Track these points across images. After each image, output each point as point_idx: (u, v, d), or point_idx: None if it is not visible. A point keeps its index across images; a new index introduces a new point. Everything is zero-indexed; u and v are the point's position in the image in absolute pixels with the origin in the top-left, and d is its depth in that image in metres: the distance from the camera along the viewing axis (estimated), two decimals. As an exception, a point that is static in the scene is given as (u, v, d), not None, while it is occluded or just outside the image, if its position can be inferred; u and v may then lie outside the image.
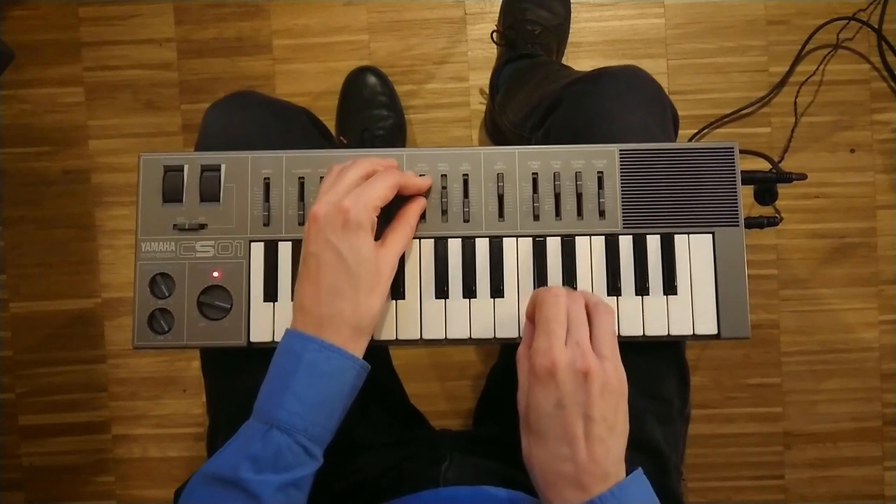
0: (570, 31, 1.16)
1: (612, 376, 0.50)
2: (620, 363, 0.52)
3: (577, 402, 0.49)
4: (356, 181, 0.55)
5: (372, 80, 1.14)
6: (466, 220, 0.60)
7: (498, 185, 0.60)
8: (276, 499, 0.49)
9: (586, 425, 0.48)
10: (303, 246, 0.54)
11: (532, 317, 0.53)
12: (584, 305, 0.52)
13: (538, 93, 0.90)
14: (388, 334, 0.59)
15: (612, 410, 0.50)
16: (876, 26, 1.16)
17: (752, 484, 1.21)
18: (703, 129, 1.18)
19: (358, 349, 0.53)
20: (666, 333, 0.59)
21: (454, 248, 0.60)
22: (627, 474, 0.50)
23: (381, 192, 0.54)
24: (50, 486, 1.22)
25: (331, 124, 1.16)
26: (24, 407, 1.22)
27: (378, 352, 0.72)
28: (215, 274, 0.59)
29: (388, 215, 0.57)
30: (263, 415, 0.51)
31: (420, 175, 0.60)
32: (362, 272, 0.52)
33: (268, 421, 0.50)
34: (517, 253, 0.60)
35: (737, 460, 1.21)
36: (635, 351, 0.60)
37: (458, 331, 0.59)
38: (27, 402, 1.22)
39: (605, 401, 0.49)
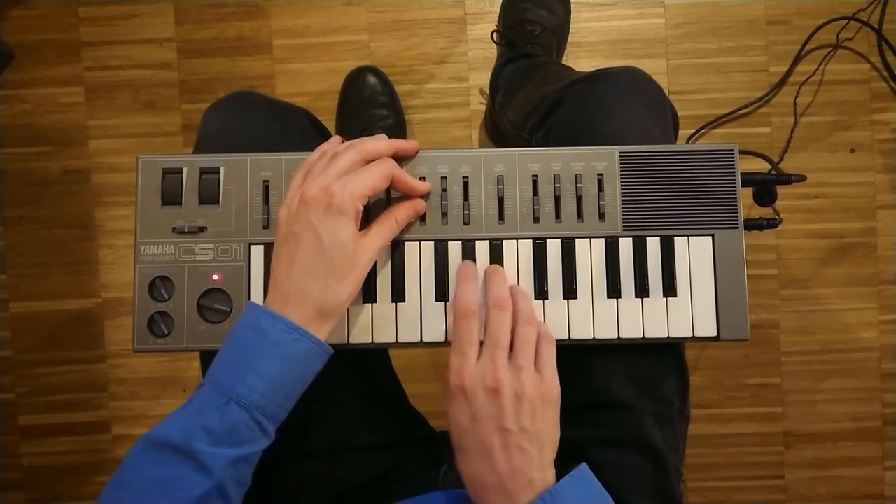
0: (570, 31, 1.16)
1: (528, 386, 0.51)
2: (549, 371, 0.53)
3: (489, 415, 0.51)
4: (350, 166, 0.54)
5: (372, 79, 1.14)
6: (466, 223, 0.60)
7: (498, 188, 0.60)
8: (227, 472, 0.49)
9: (502, 437, 0.50)
10: (287, 225, 0.54)
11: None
12: (508, 318, 0.53)
13: (538, 93, 0.90)
14: (388, 336, 0.59)
15: (531, 419, 0.51)
16: (876, 26, 1.16)
17: (752, 484, 1.21)
18: (702, 128, 1.18)
19: (321, 332, 0.53)
20: (666, 336, 0.59)
21: (454, 250, 0.60)
22: (567, 474, 0.51)
23: (371, 181, 0.53)
24: (50, 486, 1.22)
25: (331, 124, 1.16)
26: (24, 407, 1.22)
27: (377, 353, 0.72)
28: (215, 277, 0.59)
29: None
30: (222, 386, 0.50)
31: (420, 178, 0.59)
32: (336, 256, 0.52)
33: (226, 393, 0.49)
34: (517, 255, 0.59)
35: (737, 460, 1.21)
36: (635, 352, 0.60)
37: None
38: (27, 402, 1.22)
39: (521, 411, 0.51)
